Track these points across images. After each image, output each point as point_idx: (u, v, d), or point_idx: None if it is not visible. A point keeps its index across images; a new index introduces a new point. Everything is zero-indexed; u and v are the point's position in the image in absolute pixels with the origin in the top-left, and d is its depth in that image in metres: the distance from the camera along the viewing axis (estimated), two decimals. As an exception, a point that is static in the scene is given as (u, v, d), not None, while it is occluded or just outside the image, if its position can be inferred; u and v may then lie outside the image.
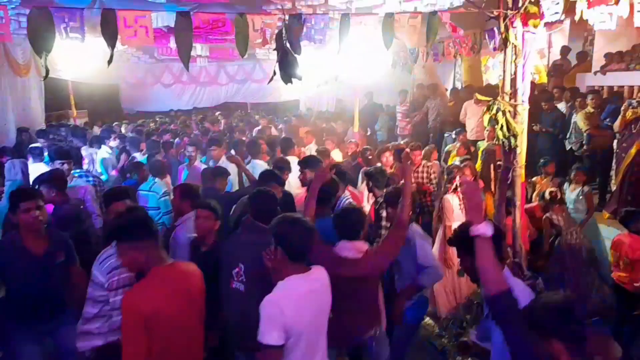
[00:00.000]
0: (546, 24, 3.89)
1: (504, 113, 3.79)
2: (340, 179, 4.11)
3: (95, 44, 5.71)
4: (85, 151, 7.27)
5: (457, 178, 5.00)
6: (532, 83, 5.66)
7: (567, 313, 1.85)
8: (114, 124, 11.34)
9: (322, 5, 6.80)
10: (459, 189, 4.99)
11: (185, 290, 2.42)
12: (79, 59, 8.97)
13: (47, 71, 3.16)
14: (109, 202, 3.53)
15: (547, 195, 5.48)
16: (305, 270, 2.42)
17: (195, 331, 2.50)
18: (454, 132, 8.47)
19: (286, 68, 3.25)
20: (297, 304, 2.30)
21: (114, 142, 8.18)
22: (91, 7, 6.17)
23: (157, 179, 5.19)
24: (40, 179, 4.17)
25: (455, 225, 4.93)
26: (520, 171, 3.92)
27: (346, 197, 4.19)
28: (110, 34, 2.96)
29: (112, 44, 2.97)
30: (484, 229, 2.00)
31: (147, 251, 2.36)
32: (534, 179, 6.71)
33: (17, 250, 3.02)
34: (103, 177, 6.55)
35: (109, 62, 3.09)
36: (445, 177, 5.29)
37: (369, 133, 10.68)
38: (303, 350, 2.33)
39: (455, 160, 6.53)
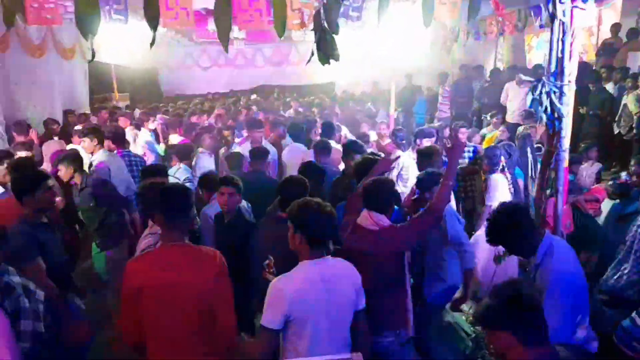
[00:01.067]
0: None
1: (548, 94, 3.63)
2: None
3: (136, 28, 5.83)
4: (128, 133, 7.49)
5: (502, 158, 4.87)
6: (580, 62, 5.42)
7: (513, 303, 1.77)
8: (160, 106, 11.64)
9: (359, -16, 6.68)
10: (505, 169, 4.87)
11: (182, 272, 2.34)
12: (121, 42, 9.20)
13: (94, 54, 3.28)
14: (144, 178, 3.70)
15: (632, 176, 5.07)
16: (322, 256, 2.35)
17: (193, 315, 2.36)
18: (489, 114, 8.25)
19: (324, 48, 3.23)
20: (301, 289, 2.25)
21: (152, 124, 8.40)
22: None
23: (182, 164, 5.23)
24: (59, 158, 4.39)
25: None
26: (564, 155, 3.77)
27: None
28: (152, 15, 3.02)
29: (154, 26, 3.04)
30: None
31: (159, 223, 2.49)
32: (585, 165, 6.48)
33: (44, 229, 3.14)
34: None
35: (151, 44, 3.16)
36: (486, 160, 5.12)
37: (401, 118, 10.48)
38: (311, 340, 2.26)
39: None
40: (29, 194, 3.06)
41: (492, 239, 2.62)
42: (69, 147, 6.06)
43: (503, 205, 2.70)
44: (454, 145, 3.06)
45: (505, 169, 4.84)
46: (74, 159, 4.35)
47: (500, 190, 4.74)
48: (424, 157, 4.45)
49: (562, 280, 2.43)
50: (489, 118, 8.28)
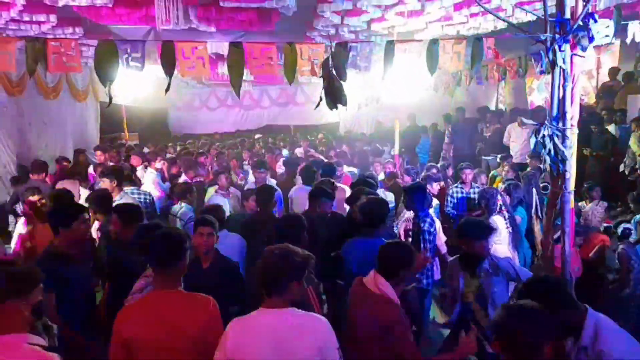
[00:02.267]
0: (596, 46, 3.82)
1: (551, 137, 3.71)
2: None
3: (148, 70, 6.07)
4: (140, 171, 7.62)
5: (499, 198, 4.94)
6: (583, 105, 5.56)
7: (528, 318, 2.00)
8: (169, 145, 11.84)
9: (364, 31, 6.94)
10: (503, 208, 4.92)
11: (174, 322, 2.28)
12: (132, 84, 9.47)
13: (111, 99, 3.40)
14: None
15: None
16: (278, 306, 2.18)
17: None
18: (499, 156, 8.31)
19: (332, 94, 3.34)
20: (243, 338, 2.12)
21: (159, 164, 8.52)
22: (145, 37, 6.57)
23: (183, 204, 5.14)
24: (88, 198, 4.43)
25: (499, 247, 4.84)
26: (569, 197, 3.80)
27: None
28: (168, 64, 3.17)
29: (170, 73, 3.18)
30: None
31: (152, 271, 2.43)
32: (579, 204, 6.51)
33: (65, 263, 3.10)
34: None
35: (167, 90, 3.29)
36: (484, 201, 5.16)
37: (405, 157, 10.63)
38: None
39: (500, 185, 6.42)
40: (65, 226, 3.11)
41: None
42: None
43: (536, 278, 2.60)
44: (463, 344, 2.62)
45: (503, 208, 4.89)
46: (105, 200, 4.35)
47: (498, 231, 4.80)
48: (413, 193, 4.45)
49: None
50: (498, 159, 8.36)
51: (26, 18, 5.58)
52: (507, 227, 4.84)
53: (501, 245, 4.85)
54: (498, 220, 4.86)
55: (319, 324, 2.21)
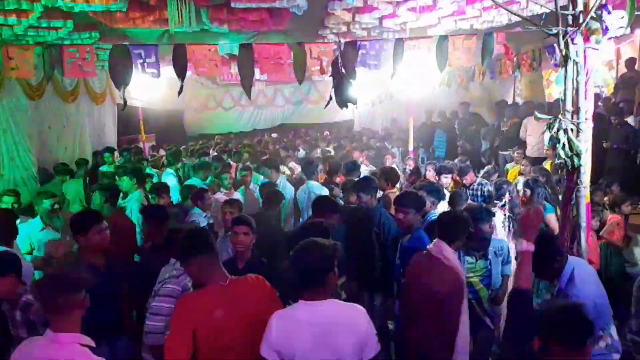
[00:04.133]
0: (615, 37, 3.76)
1: (565, 131, 3.66)
2: (433, 195, 4.15)
3: (163, 73, 6.16)
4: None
5: (507, 195, 4.88)
6: (597, 96, 5.43)
7: (568, 318, 1.99)
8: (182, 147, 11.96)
9: (376, 28, 6.92)
10: (506, 206, 4.86)
11: (240, 311, 2.37)
12: (148, 86, 9.61)
13: (125, 102, 3.48)
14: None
15: None
16: (317, 298, 2.28)
17: (249, 353, 2.36)
18: (514, 150, 8.20)
19: (341, 93, 3.36)
20: (287, 329, 2.23)
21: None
22: (160, 39, 6.66)
23: (196, 208, 4.97)
24: None
25: None
26: (585, 191, 3.74)
27: (434, 213, 4.13)
28: (181, 66, 3.23)
29: (182, 75, 3.24)
30: (531, 247, 2.53)
31: (199, 267, 2.44)
32: (605, 198, 6.39)
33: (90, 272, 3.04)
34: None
35: (179, 92, 3.35)
36: (494, 192, 5.13)
37: (420, 154, 10.56)
38: None
39: (518, 180, 6.33)
40: (82, 234, 3.11)
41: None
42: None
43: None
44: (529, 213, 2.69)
45: (506, 206, 4.82)
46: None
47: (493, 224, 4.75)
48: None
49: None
50: (514, 154, 8.26)
51: (44, 24, 5.70)
52: (504, 226, 4.78)
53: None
54: (496, 215, 4.80)
55: (358, 312, 2.31)
